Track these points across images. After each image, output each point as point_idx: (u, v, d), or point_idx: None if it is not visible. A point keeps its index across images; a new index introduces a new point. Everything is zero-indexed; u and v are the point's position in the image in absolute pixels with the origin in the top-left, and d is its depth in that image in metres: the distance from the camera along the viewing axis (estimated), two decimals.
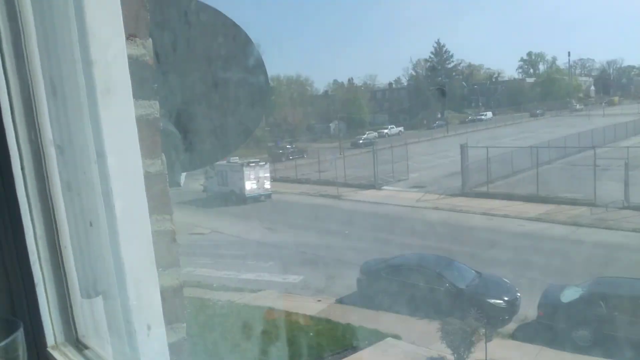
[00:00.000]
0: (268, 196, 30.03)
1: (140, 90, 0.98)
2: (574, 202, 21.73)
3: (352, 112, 71.53)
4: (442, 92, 72.42)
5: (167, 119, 1.29)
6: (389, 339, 11.71)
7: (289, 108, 67.40)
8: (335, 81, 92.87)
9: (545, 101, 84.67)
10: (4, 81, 1.11)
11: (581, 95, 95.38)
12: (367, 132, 62.23)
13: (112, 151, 0.93)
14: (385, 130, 62.19)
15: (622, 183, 21.18)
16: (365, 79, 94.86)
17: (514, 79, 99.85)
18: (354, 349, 11.16)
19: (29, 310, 1.19)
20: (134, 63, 0.97)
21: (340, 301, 14.16)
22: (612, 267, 14.28)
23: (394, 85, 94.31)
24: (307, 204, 27.06)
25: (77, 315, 1.19)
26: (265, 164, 30.73)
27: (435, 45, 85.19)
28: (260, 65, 1.44)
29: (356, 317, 12.95)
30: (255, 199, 29.19)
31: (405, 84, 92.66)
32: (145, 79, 0.99)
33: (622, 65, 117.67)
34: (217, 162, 26.83)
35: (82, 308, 1.19)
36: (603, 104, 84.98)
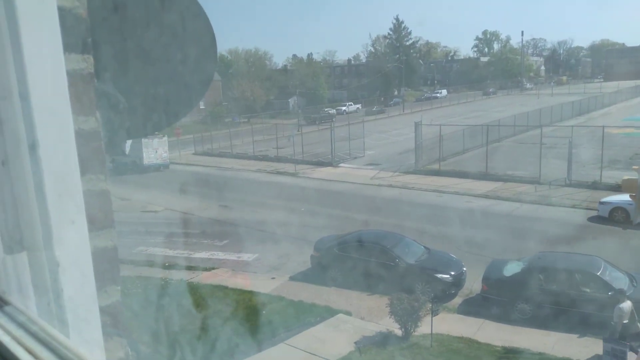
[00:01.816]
0: (166, 166, 32.34)
1: (71, 43, 0.92)
2: (520, 180, 22.57)
3: (311, 88, 71.16)
4: (400, 70, 72.85)
5: (109, 81, 1.21)
6: (340, 315, 11.91)
7: (247, 82, 66.23)
8: (294, 56, 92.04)
9: (497, 80, 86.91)
10: None
11: (532, 74, 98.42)
12: (326, 109, 62.15)
13: (40, 104, 0.87)
14: (344, 108, 62.24)
15: (565, 161, 22.15)
16: (325, 54, 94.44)
17: (469, 57, 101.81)
18: (306, 326, 11.32)
19: None
20: (66, 14, 0.90)
21: (294, 278, 14.28)
22: (552, 242, 15.05)
23: (352, 62, 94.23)
24: (264, 182, 26.97)
25: None
26: (163, 136, 32.16)
27: (394, 21, 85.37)
28: (207, 29, 1.33)
29: (309, 294, 13.12)
30: (155, 168, 31.37)
31: (364, 60, 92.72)
32: (77, 32, 0.94)
33: (572, 46, 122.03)
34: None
35: (4, 264, 1.16)
36: (552, 83, 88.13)
